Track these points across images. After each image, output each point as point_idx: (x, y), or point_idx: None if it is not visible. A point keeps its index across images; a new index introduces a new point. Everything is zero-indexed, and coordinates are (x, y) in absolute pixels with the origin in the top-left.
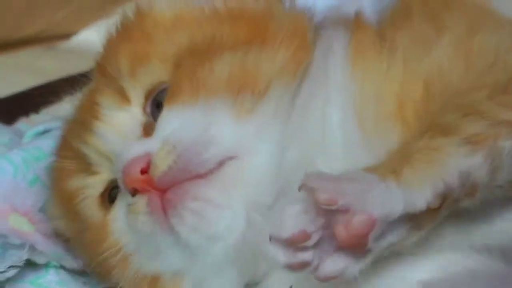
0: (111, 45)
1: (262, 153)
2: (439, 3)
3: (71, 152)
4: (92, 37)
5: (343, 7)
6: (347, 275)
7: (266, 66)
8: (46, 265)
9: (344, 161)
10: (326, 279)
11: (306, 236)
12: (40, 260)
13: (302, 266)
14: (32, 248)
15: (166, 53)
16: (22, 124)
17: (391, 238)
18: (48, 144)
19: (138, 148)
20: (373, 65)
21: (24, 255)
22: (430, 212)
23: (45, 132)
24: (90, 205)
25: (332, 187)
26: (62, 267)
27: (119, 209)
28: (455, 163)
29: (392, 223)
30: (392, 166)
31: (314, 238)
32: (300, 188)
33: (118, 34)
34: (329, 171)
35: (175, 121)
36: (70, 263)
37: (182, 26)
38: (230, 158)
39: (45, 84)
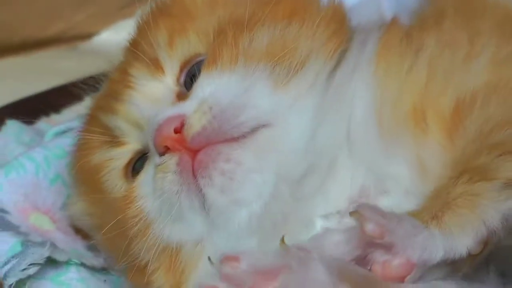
0: (148, 22)
1: (295, 125)
2: (472, 9)
3: (97, 127)
4: (113, 37)
5: (363, 6)
6: None
7: (305, 42)
8: (67, 263)
9: (362, 155)
10: None
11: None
12: (61, 257)
13: None
14: (53, 245)
15: (203, 27)
16: (43, 123)
17: (428, 279)
18: (69, 142)
19: (173, 110)
20: (395, 65)
21: (45, 252)
22: (471, 257)
23: (66, 131)
24: (115, 176)
25: (383, 222)
26: (83, 264)
27: (145, 174)
28: (497, 207)
29: (431, 267)
30: (433, 212)
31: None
32: (351, 214)
33: (155, 12)
34: (351, 160)
35: (212, 85)
36: (90, 260)
37: (222, 3)
38: (264, 125)
39: (66, 84)
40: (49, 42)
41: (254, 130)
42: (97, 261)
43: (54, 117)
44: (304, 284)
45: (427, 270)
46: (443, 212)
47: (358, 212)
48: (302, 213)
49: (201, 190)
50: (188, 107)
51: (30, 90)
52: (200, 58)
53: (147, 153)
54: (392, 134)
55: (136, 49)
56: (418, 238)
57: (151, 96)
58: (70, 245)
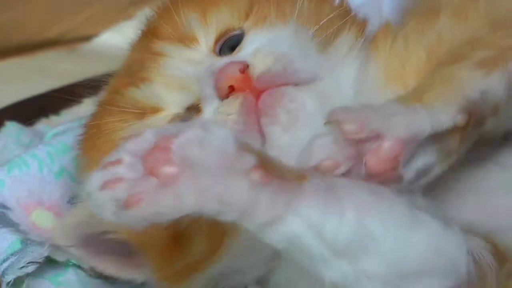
0: (174, 3)
1: (343, 82)
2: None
3: (121, 105)
4: (113, 39)
5: (365, 8)
6: None
7: (337, 19)
8: (66, 264)
9: None
10: None
11: (335, 163)
12: (60, 257)
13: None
14: (53, 245)
15: (235, 4)
16: (42, 125)
17: (422, 161)
18: (71, 139)
19: (230, 58)
20: (381, 48)
21: (44, 252)
22: (457, 132)
23: (65, 131)
24: None
25: (358, 117)
26: (80, 267)
27: None
28: (474, 82)
29: (421, 146)
30: (412, 96)
31: (344, 168)
32: (326, 124)
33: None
34: None
35: (264, 37)
36: None
37: None
38: (316, 78)
39: (65, 86)
40: (48, 44)
41: (310, 79)
42: None
43: (54, 119)
44: (208, 145)
45: (418, 149)
46: (422, 93)
47: (331, 120)
48: None
49: (263, 131)
50: (244, 55)
51: (30, 92)
52: (235, 32)
53: (186, 118)
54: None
55: (162, 27)
56: (401, 116)
57: (189, 60)
58: None
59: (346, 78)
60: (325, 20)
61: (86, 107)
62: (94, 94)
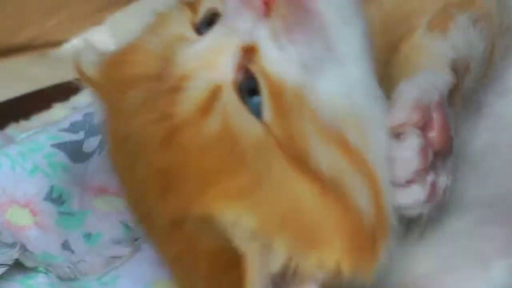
0: None
1: None
2: None
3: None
4: (82, 45)
5: None
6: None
7: None
8: (35, 270)
9: None
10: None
11: (424, 164)
12: (28, 263)
13: (434, 190)
14: (23, 248)
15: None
16: (12, 130)
17: (452, 123)
18: (42, 138)
19: None
20: None
21: (14, 254)
22: (456, 91)
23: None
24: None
25: (408, 106)
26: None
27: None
28: (440, 43)
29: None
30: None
31: (430, 155)
32: (394, 134)
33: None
34: None
35: None
36: (59, 265)
37: None
38: None
39: (35, 91)
40: (18, 49)
41: None
42: (63, 273)
43: (24, 124)
44: None
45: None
46: (410, 71)
47: (396, 125)
48: None
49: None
50: None
51: (0, 97)
52: None
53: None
54: None
55: None
56: (424, 83)
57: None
58: (42, 245)
59: None
60: None
61: (57, 112)
62: (65, 99)
